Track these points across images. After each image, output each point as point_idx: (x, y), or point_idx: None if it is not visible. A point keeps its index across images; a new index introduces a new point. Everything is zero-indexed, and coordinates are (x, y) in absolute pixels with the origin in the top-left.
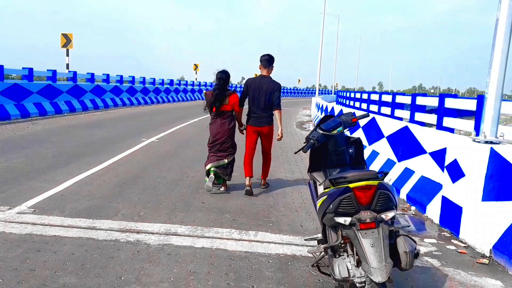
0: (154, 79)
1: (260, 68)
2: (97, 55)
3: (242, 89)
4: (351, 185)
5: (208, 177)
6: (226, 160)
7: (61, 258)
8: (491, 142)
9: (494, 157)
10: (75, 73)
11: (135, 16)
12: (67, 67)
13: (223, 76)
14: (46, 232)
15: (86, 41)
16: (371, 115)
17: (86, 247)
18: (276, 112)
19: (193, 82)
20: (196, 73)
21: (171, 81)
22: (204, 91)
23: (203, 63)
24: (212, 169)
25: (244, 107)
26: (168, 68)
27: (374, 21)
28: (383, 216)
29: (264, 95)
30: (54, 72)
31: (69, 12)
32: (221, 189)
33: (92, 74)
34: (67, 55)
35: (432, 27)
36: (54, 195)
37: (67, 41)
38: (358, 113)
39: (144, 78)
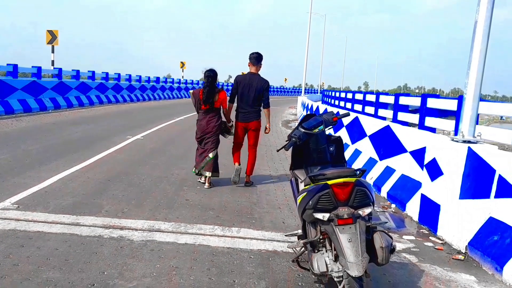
0: (140, 76)
1: (249, 66)
2: (82, 50)
3: (230, 86)
4: (330, 182)
5: (201, 178)
6: (210, 155)
7: (45, 253)
8: (469, 142)
9: (471, 156)
10: (60, 69)
11: (122, 12)
12: (52, 64)
13: (211, 74)
14: (29, 228)
15: (72, 35)
16: (354, 114)
17: (69, 243)
18: (265, 111)
19: (180, 80)
20: (182, 71)
21: (157, 78)
22: (191, 91)
23: (190, 61)
24: (203, 171)
25: (234, 103)
26: (155, 65)
27: (361, 20)
28: (360, 212)
29: (254, 92)
30: (39, 68)
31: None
32: (205, 186)
33: (78, 71)
34: (52, 51)
35: (419, 27)
36: (38, 192)
37: (52, 37)
38: (342, 112)
39: (130, 76)
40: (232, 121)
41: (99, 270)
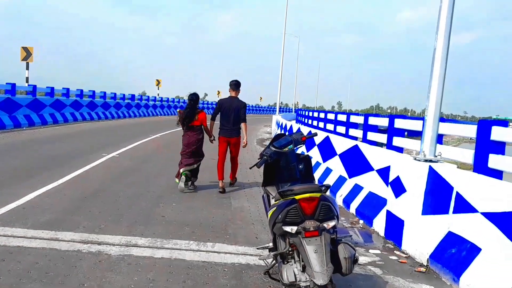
0: (115, 93)
1: (229, 91)
2: (58, 68)
3: (206, 104)
4: (297, 197)
5: (179, 180)
6: (195, 165)
7: (25, 267)
8: (430, 161)
9: (432, 174)
10: (34, 86)
11: (95, 30)
12: (27, 81)
13: (194, 97)
14: (9, 243)
15: (45, 54)
16: (325, 134)
17: (49, 257)
18: (242, 125)
19: (155, 97)
20: (158, 89)
21: (133, 96)
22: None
23: (164, 78)
24: (185, 172)
25: (215, 121)
26: (130, 83)
27: (334, 41)
28: (325, 225)
29: (234, 112)
30: (13, 85)
31: (27, 24)
32: (189, 187)
33: (52, 88)
34: (27, 68)
35: (391, 47)
36: (16, 208)
37: (27, 54)
38: (313, 131)
39: (105, 93)
40: (214, 136)
41: (79, 282)
